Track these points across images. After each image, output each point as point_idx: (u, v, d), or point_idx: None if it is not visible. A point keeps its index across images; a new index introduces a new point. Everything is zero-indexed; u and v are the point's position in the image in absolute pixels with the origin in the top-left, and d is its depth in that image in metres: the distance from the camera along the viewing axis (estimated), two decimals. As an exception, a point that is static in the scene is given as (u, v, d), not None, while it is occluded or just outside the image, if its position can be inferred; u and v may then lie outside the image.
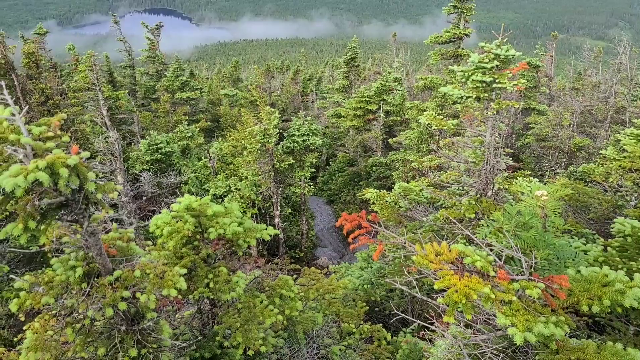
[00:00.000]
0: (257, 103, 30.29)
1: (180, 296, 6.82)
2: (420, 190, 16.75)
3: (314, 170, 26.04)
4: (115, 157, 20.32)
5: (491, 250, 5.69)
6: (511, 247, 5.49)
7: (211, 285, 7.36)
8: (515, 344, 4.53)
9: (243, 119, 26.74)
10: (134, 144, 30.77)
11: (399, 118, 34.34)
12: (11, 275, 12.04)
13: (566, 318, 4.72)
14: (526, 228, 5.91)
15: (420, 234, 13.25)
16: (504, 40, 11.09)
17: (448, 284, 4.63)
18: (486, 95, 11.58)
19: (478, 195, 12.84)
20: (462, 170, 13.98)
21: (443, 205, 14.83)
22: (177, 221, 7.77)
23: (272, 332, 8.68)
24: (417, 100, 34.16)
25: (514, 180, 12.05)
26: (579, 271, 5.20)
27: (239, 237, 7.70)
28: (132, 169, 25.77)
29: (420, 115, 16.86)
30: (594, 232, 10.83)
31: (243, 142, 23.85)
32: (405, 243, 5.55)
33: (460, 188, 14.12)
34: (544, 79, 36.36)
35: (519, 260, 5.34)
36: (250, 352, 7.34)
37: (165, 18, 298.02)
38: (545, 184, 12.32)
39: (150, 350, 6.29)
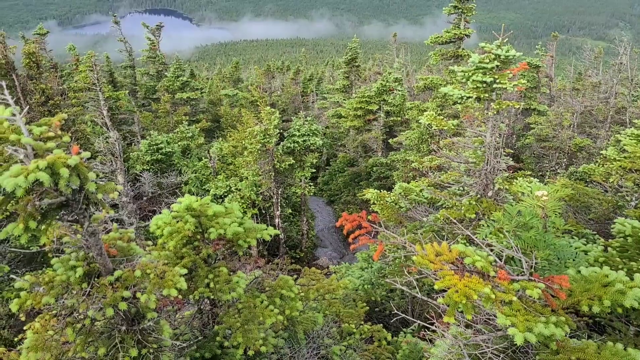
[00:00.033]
0: (258, 103, 30.29)
1: (180, 296, 6.82)
2: (421, 191, 16.75)
3: (314, 170, 26.04)
4: (116, 157, 20.33)
5: (491, 250, 5.69)
6: (511, 247, 5.49)
7: (211, 285, 7.37)
8: (516, 344, 4.53)
9: (243, 119, 26.75)
10: (135, 144, 30.79)
11: (399, 118, 34.35)
12: (12, 275, 12.06)
13: (566, 318, 4.72)
14: (526, 228, 5.91)
15: (421, 234, 13.26)
16: (505, 41, 11.09)
17: (448, 284, 4.63)
18: (486, 95, 11.58)
19: (478, 196, 12.83)
20: (462, 170, 13.98)
21: (443, 206, 14.83)
22: (177, 221, 7.77)
23: (273, 332, 8.68)
24: (417, 100, 34.16)
25: (515, 180, 12.05)
26: (579, 271, 5.20)
27: (240, 237, 7.70)
28: (132, 169, 25.78)
29: (421, 116, 16.86)
30: (595, 232, 10.82)
31: (243, 142, 23.86)
32: (405, 243, 5.55)
33: (461, 188, 14.12)
34: (545, 80, 36.36)
35: (520, 260, 5.34)
36: (250, 352, 7.34)
37: (166, 18, 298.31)
38: (545, 184, 12.32)
39: (151, 350, 6.29)
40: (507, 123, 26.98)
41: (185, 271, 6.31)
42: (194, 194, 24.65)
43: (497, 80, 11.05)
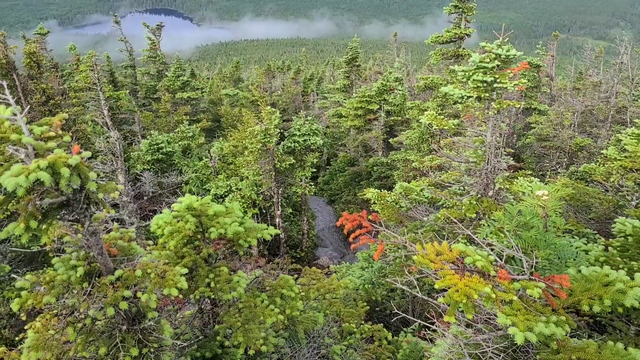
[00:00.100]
0: (258, 103, 30.28)
1: (181, 296, 6.83)
2: (421, 190, 16.74)
3: (314, 170, 26.05)
4: (116, 157, 20.34)
5: (492, 250, 5.69)
6: (512, 246, 5.49)
7: (212, 284, 7.37)
8: (516, 343, 4.53)
9: (244, 119, 26.75)
10: (135, 144, 30.81)
11: (399, 118, 34.34)
12: (12, 275, 12.07)
13: (567, 318, 4.72)
14: (527, 228, 5.91)
15: (421, 233, 13.25)
16: (505, 40, 11.09)
17: (449, 283, 4.63)
18: (487, 95, 11.58)
19: (479, 195, 12.83)
20: (463, 170, 13.97)
21: (444, 205, 14.82)
22: (178, 221, 7.78)
23: (273, 331, 8.69)
24: (418, 100, 34.16)
25: (515, 180, 12.04)
26: (579, 271, 5.20)
27: (240, 237, 7.70)
28: (133, 169, 25.80)
29: (421, 115, 16.86)
30: (595, 232, 10.82)
31: (244, 142, 23.87)
32: (406, 243, 5.55)
33: (461, 188, 14.11)
34: (545, 79, 36.32)
35: (520, 260, 5.34)
36: (251, 352, 7.34)
37: (166, 18, 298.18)
38: (546, 183, 12.31)
39: (152, 350, 6.30)
40: (508, 122, 26.98)
41: (185, 271, 6.32)
42: (194, 194, 24.65)
43: (498, 80, 11.05)
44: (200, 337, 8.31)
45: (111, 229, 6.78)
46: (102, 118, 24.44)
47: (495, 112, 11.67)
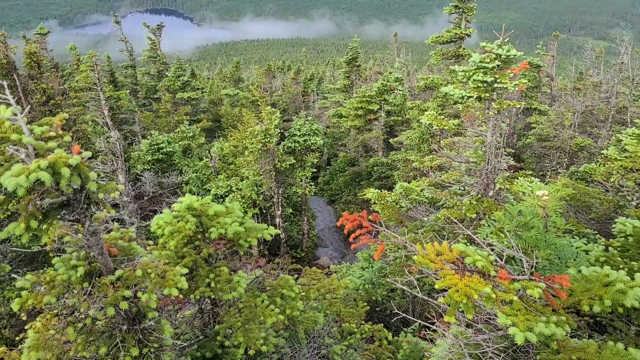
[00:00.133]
0: (258, 103, 30.30)
1: (181, 296, 6.83)
2: (422, 190, 16.74)
3: (315, 170, 26.05)
4: (117, 157, 20.35)
5: (492, 250, 5.69)
6: (512, 247, 5.48)
7: (212, 284, 7.37)
8: (516, 343, 4.53)
9: (244, 119, 26.77)
10: (135, 144, 30.82)
11: (400, 118, 34.33)
12: (13, 275, 12.07)
13: (567, 318, 4.72)
14: (527, 228, 5.91)
15: (422, 233, 13.25)
16: (505, 40, 11.09)
17: (449, 283, 4.63)
18: (487, 95, 11.58)
19: (479, 195, 12.83)
20: (463, 170, 13.97)
21: (444, 205, 14.82)
22: (178, 221, 7.78)
23: (273, 331, 8.69)
24: (418, 100, 34.15)
25: (515, 180, 12.04)
26: (580, 271, 5.20)
27: (240, 237, 7.70)
28: (133, 169, 25.80)
29: (422, 115, 16.86)
30: (596, 232, 10.82)
31: (244, 142, 23.87)
32: (406, 243, 5.56)
33: (462, 188, 14.11)
34: (546, 79, 36.31)
35: (520, 260, 5.34)
36: (251, 352, 7.34)
37: (167, 18, 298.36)
38: (546, 184, 12.31)
39: (152, 350, 6.30)
40: (508, 123, 26.97)
41: (186, 271, 6.32)
42: (194, 194, 24.66)
43: (498, 80, 11.04)
44: (201, 337, 8.31)
45: (111, 229, 6.78)
46: (103, 118, 24.46)
47: (496, 112, 11.67)
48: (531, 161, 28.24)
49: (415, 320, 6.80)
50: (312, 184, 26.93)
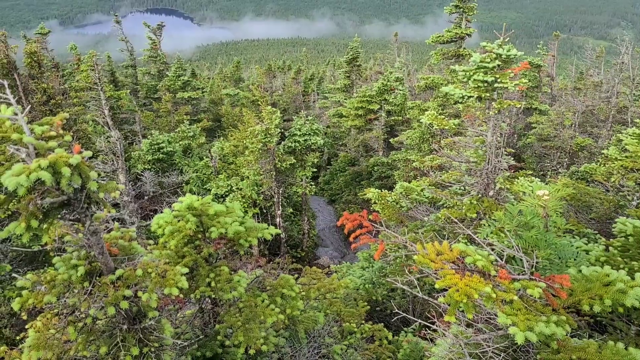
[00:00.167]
0: (259, 103, 30.31)
1: (181, 295, 6.83)
2: (422, 190, 16.74)
3: (315, 169, 26.05)
4: (117, 156, 20.36)
5: (492, 249, 5.68)
6: (512, 246, 5.48)
7: (213, 284, 7.38)
8: (517, 343, 4.53)
9: (244, 119, 26.77)
10: (136, 144, 30.84)
11: (400, 118, 34.33)
12: (13, 274, 12.07)
13: (567, 317, 4.72)
14: (528, 228, 5.91)
15: (422, 233, 13.25)
16: (506, 40, 11.08)
17: (449, 283, 4.64)
18: (488, 95, 11.57)
19: (479, 195, 12.83)
20: (463, 170, 13.97)
21: (444, 205, 14.82)
22: (178, 220, 7.78)
23: (274, 331, 8.69)
24: (418, 100, 34.16)
25: (516, 180, 12.04)
26: (580, 271, 5.20)
27: (241, 237, 7.71)
28: (133, 169, 25.81)
29: (422, 115, 16.86)
30: (596, 232, 10.81)
31: (244, 141, 23.87)
32: (406, 242, 5.56)
33: (462, 188, 14.11)
34: (546, 79, 36.31)
35: (521, 259, 5.34)
36: (251, 351, 7.35)
37: (167, 18, 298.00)
38: (546, 183, 12.30)
39: (152, 349, 6.30)
40: (509, 122, 26.94)
41: (186, 270, 6.32)
42: (195, 193, 24.64)
43: (499, 80, 11.04)
44: (201, 337, 8.31)
45: (112, 228, 6.78)
46: (103, 118, 24.47)
47: (496, 112, 11.66)
48: (531, 161, 28.23)
49: (416, 319, 6.81)
50: (313, 183, 26.93)
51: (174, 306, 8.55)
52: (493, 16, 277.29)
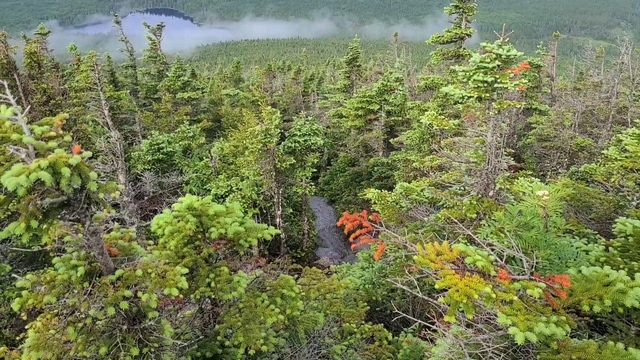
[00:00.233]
0: (259, 103, 30.32)
1: (181, 295, 6.83)
2: (422, 190, 16.74)
3: (315, 170, 26.05)
4: (117, 156, 20.36)
5: (492, 250, 5.68)
6: (512, 247, 5.48)
7: (212, 284, 7.38)
8: (517, 343, 4.53)
9: (244, 119, 26.79)
10: (136, 144, 30.83)
11: (400, 118, 34.33)
12: (13, 275, 12.06)
13: (567, 318, 4.72)
14: (527, 228, 5.91)
15: (422, 233, 13.25)
16: (506, 40, 11.08)
17: (449, 283, 4.63)
18: (487, 95, 11.57)
19: (479, 195, 12.83)
20: (463, 170, 13.97)
21: (444, 205, 14.82)
22: (178, 221, 7.78)
23: (274, 331, 8.69)
24: (418, 100, 34.15)
25: (516, 180, 12.04)
26: (580, 271, 5.20)
27: (241, 237, 7.71)
28: (133, 169, 25.81)
29: (422, 115, 16.86)
30: (596, 232, 10.81)
31: (244, 142, 23.88)
32: (406, 243, 5.56)
33: (462, 188, 14.11)
34: (546, 79, 36.31)
35: (520, 260, 5.34)
36: (251, 352, 7.35)
37: (167, 18, 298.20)
38: (546, 184, 12.30)
39: (152, 350, 6.30)
40: (508, 123, 26.96)
41: (186, 270, 6.32)
42: (195, 194, 24.65)
43: (498, 80, 11.04)
44: (201, 337, 8.31)
45: (112, 228, 6.78)
46: (103, 118, 24.47)
47: (496, 112, 11.67)
48: (531, 161, 28.24)
49: (416, 320, 6.81)
50: (313, 184, 26.94)
51: (174, 306, 8.55)
52: (493, 16, 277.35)
